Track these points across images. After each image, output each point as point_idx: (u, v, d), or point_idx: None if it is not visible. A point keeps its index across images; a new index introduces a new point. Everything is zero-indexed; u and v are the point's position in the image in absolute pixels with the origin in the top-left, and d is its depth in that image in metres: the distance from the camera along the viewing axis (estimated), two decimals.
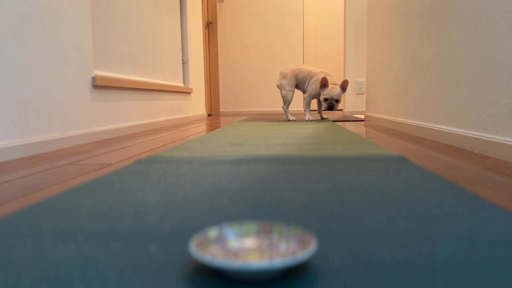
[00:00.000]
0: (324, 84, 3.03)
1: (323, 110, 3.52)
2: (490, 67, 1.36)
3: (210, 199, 0.78)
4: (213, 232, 0.50)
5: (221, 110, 5.71)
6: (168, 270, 0.46)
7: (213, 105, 5.34)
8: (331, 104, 3.00)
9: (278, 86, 3.29)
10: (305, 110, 3.30)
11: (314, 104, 5.34)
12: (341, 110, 4.96)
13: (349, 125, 2.76)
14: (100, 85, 2.05)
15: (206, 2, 5.05)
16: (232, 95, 5.69)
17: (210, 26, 5.18)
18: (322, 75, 3.10)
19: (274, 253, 0.47)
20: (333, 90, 3.00)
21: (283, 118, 3.77)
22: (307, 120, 3.19)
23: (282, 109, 4.80)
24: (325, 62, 5.81)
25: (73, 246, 0.54)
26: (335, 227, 0.60)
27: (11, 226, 0.63)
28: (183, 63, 3.75)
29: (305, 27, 5.82)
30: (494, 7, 1.33)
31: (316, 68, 3.24)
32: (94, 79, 1.98)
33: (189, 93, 3.83)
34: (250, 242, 0.50)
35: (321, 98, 3.07)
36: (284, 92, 3.25)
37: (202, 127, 2.84)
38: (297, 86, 3.32)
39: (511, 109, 1.24)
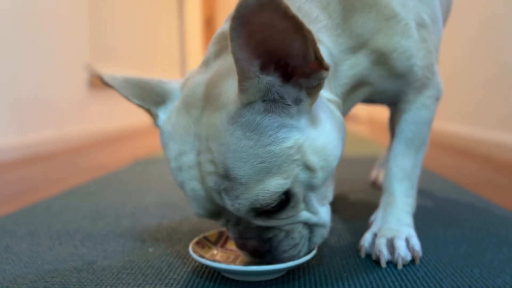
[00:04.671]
0: None
1: None
2: (495, 66, 1.36)
3: None
4: (212, 234, 0.49)
5: None
6: (167, 272, 0.45)
7: None
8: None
9: None
10: None
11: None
12: None
13: (350, 125, 2.75)
14: (97, 84, 2.04)
15: None
16: None
17: (209, 22, 5.17)
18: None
19: None
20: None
21: None
22: None
23: None
24: None
25: (70, 247, 0.53)
26: (336, 227, 0.59)
27: (8, 227, 0.62)
28: (181, 60, 3.74)
29: None
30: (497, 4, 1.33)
31: None
32: (91, 78, 1.97)
33: None
34: None
35: None
36: None
37: None
38: None
39: None
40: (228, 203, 0.38)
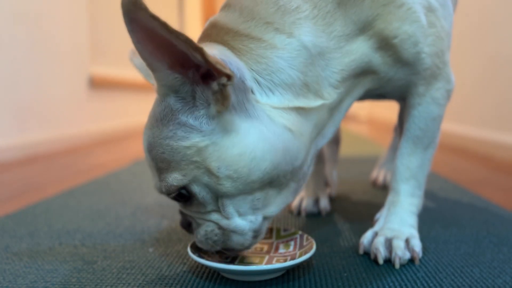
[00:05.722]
0: None
1: None
2: (495, 66, 1.36)
3: None
4: None
5: None
6: (167, 272, 0.45)
7: None
8: None
9: None
10: None
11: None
12: None
13: (350, 125, 2.75)
14: (96, 84, 2.04)
15: None
16: None
17: None
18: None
19: (273, 255, 0.46)
20: None
21: None
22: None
23: None
24: None
25: (70, 247, 0.53)
26: (337, 227, 0.59)
27: (8, 227, 0.62)
28: None
29: None
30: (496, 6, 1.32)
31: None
32: (90, 77, 1.97)
33: None
34: None
35: None
36: None
37: None
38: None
39: None
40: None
